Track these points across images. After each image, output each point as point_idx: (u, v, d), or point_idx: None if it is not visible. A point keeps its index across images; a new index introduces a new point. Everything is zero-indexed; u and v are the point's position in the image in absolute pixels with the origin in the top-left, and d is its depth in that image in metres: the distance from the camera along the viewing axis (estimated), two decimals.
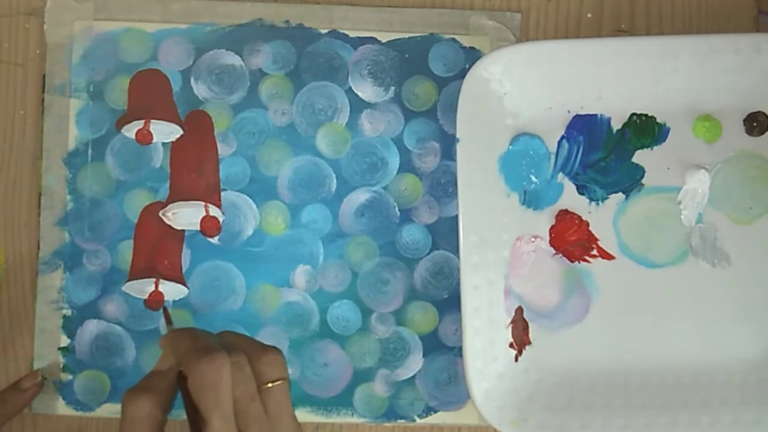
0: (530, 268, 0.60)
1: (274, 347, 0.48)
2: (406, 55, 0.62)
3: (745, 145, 0.60)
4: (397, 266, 0.61)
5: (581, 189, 0.60)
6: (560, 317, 0.60)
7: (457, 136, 0.58)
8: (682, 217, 0.60)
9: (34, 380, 0.60)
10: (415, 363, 0.61)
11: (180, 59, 0.61)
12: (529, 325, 0.60)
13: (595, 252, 0.60)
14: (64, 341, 0.61)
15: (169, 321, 0.52)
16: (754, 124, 0.59)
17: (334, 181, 0.61)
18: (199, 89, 0.61)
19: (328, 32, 0.62)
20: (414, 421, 0.61)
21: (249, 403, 0.46)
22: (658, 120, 0.60)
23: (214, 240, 0.61)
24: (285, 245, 0.61)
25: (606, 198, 0.60)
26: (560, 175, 0.60)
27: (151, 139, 0.61)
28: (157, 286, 0.61)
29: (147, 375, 0.48)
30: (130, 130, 0.61)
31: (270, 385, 0.47)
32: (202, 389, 0.45)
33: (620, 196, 0.60)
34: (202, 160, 0.61)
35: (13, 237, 0.61)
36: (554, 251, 0.60)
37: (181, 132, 0.61)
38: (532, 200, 0.60)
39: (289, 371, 0.61)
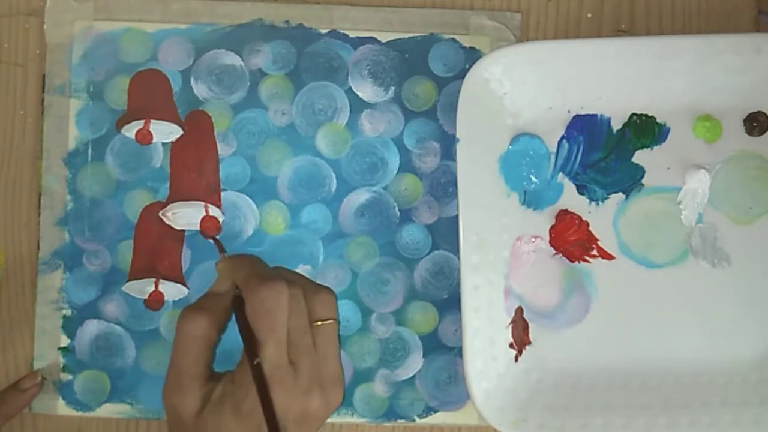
0: (530, 268, 0.60)
1: (327, 287, 0.49)
2: (406, 55, 0.62)
3: (745, 145, 0.60)
4: (397, 266, 0.61)
5: (581, 189, 0.60)
6: (560, 317, 0.60)
7: (457, 136, 0.58)
8: (682, 217, 0.60)
9: (34, 380, 0.60)
10: (415, 363, 0.61)
11: (180, 59, 0.61)
12: (529, 325, 0.60)
13: (595, 252, 0.60)
14: (64, 341, 0.61)
15: (221, 249, 0.51)
16: (754, 124, 0.59)
17: (334, 181, 0.61)
18: (199, 89, 0.61)
19: (328, 32, 0.62)
20: (414, 421, 0.61)
21: (301, 336, 0.46)
22: (658, 120, 0.60)
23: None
24: (285, 245, 0.61)
25: (606, 198, 0.60)
26: (560, 175, 0.60)
27: (151, 139, 0.61)
28: (157, 286, 0.61)
29: (203, 295, 0.48)
30: (130, 130, 0.61)
31: (320, 323, 0.47)
32: (260, 314, 0.46)
33: (620, 196, 0.60)
34: (202, 160, 0.61)
35: (13, 237, 0.61)
36: (554, 251, 0.60)
37: (181, 132, 0.61)
38: (532, 200, 0.60)
39: None
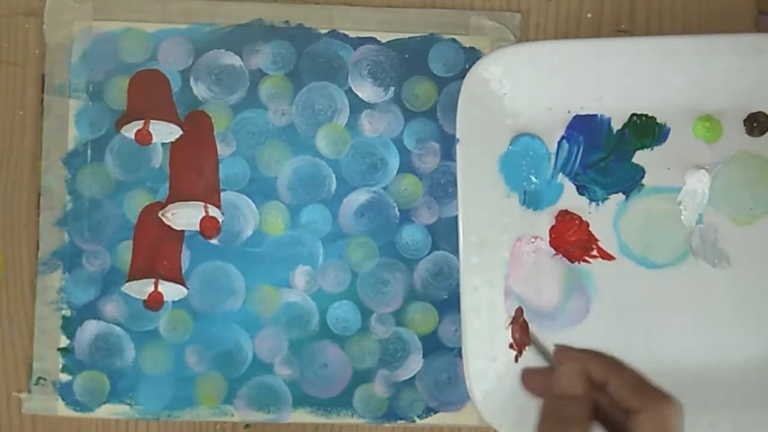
0: (530, 268, 0.60)
1: (669, 395, 0.41)
2: (406, 56, 0.62)
3: (746, 145, 0.60)
4: (396, 267, 0.61)
5: (581, 189, 0.60)
6: (560, 318, 0.60)
7: (457, 136, 0.58)
8: (682, 217, 0.60)
9: None
10: (414, 363, 0.61)
11: (179, 59, 0.61)
12: (529, 325, 0.60)
13: (595, 252, 0.60)
14: (64, 342, 0.60)
15: (545, 354, 0.46)
16: (755, 124, 0.59)
17: (334, 181, 0.61)
18: (199, 89, 0.61)
19: (328, 32, 0.62)
20: (414, 421, 0.61)
21: None
22: (658, 120, 0.60)
23: (214, 240, 0.61)
24: (285, 246, 0.61)
25: (606, 198, 0.60)
26: (560, 175, 0.60)
27: (151, 139, 0.61)
28: (156, 287, 0.61)
29: (560, 399, 0.42)
30: (130, 131, 0.61)
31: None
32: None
33: (620, 196, 0.60)
34: (202, 161, 0.61)
35: (13, 237, 0.61)
36: (554, 252, 0.60)
37: (181, 132, 0.61)
38: (532, 200, 0.60)
39: (288, 372, 0.61)
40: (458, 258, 0.58)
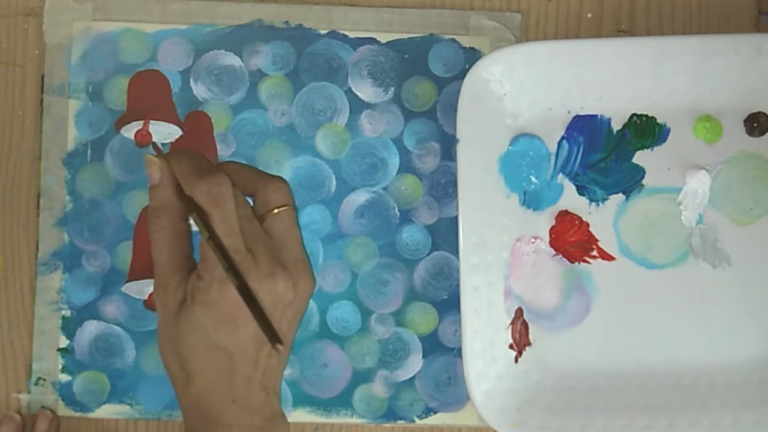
0: (530, 269, 0.60)
1: (278, 176, 0.50)
2: (406, 56, 0.62)
3: (746, 145, 0.60)
4: (396, 267, 0.61)
5: (581, 190, 0.60)
6: (560, 318, 0.60)
7: (457, 136, 0.58)
8: (682, 217, 0.60)
9: (47, 420, 0.59)
10: (414, 364, 0.61)
11: (179, 60, 0.61)
12: (529, 326, 0.60)
13: (595, 253, 0.60)
14: (64, 342, 0.60)
15: (159, 151, 0.51)
16: (755, 124, 0.59)
17: (334, 181, 0.61)
18: (199, 90, 0.61)
19: (328, 33, 0.62)
20: (413, 422, 0.61)
21: (248, 223, 0.47)
22: (658, 120, 0.60)
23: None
24: None
25: (606, 199, 0.60)
26: (560, 175, 0.60)
27: (151, 139, 0.61)
28: None
29: (150, 190, 0.49)
30: (130, 131, 0.61)
31: (276, 211, 0.48)
32: (206, 205, 0.46)
33: (620, 196, 0.60)
34: None
35: (12, 238, 0.61)
36: (554, 252, 0.60)
37: (181, 133, 0.61)
38: (532, 201, 0.60)
39: (289, 372, 0.61)
40: (458, 258, 0.58)
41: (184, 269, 0.48)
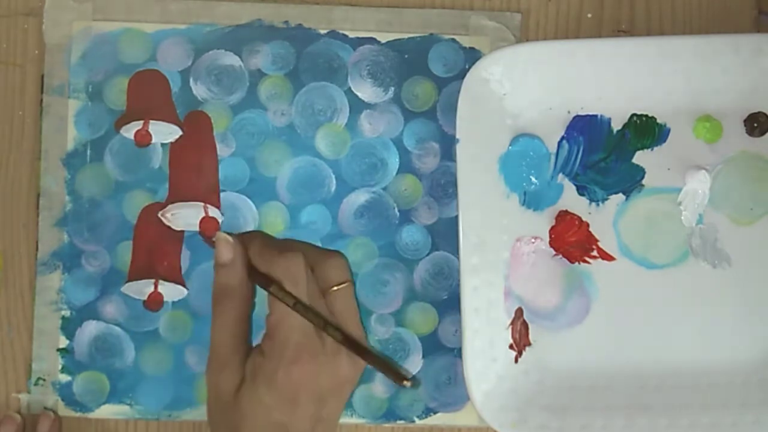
0: (530, 269, 0.60)
1: (337, 251, 0.51)
2: (406, 56, 0.62)
3: (746, 145, 0.60)
4: (396, 267, 0.61)
5: (581, 190, 0.60)
6: (560, 318, 0.60)
7: (457, 136, 0.58)
8: (682, 218, 0.60)
9: (49, 421, 0.59)
10: (414, 364, 0.61)
11: (179, 60, 0.61)
12: (529, 326, 0.60)
13: (595, 253, 0.60)
14: (63, 342, 0.60)
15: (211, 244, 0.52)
16: (755, 124, 0.59)
17: (334, 181, 0.61)
18: (198, 90, 0.61)
19: (328, 33, 0.62)
20: (413, 422, 0.61)
21: (317, 302, 0.48)
22: (658, 120, 0.60)
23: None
24: None
25: (606, 199, 0.60)
26: (560, 175, 0.60)
27: (150, 139, 0.61)
28: (156, 287, 0.61)
29: (218, 269, 0.50)
30: (129, 131, 0.61)
31: (335, 288, 0.49)
32: (282, 282, 0.47)
33: (620, 196, 0.60)
34: (201, 161, 0.61)
35: (12, 238, 0.61)
36: (554, 252, 0.60)
37: (180, 133, 0.61)
38: (532, 201, 0.60)
39: None
40: (458, 258, 0.58)
41: (243, 350, 0.49)
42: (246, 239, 0.51)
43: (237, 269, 0.50)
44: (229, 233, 0.51)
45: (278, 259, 0.48)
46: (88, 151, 0.61)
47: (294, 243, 0.52)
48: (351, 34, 0.62)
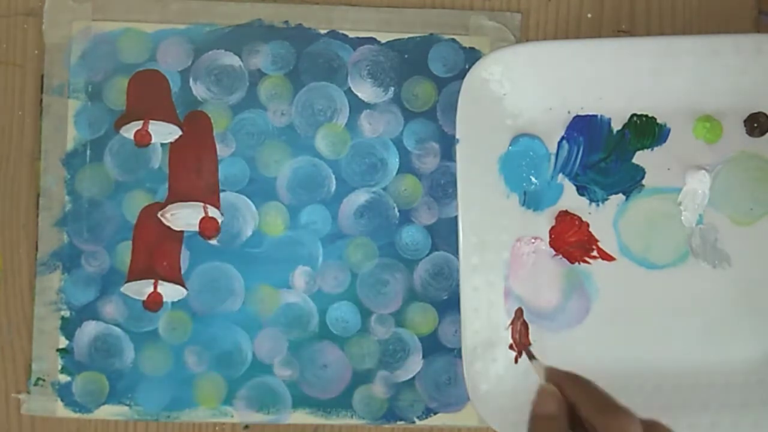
0: (530, 269, 0.60)
1: (626, 412, 0.44)
2: (406, 56, 0.62)
3: (746, 145, 0.59)
4: (396, 267, 0.61)
5: (581, 190, 0.60)
6: (560, 318, 0.60)
7: (457, 136, 0.58)
8: (682, 218, 0.60)
9: None
10: (414, 364, 0.61)
11: (179, 60, 0.61)
12: (529, 326, 0.59)
13: (595, 253, 0.60)
14: (63, 342, 0.60)
15: (531, 357, 0.49)
16: (755, 124, 0.59)
17: (334, 181, 0.61)
18: (198, 90, 0.61)
19: (328, 33, 0.62)
20: (413, 422, 0.61)
21: None
22: (658, 121, 0.60)
23: (213, 241, 0.61)
24: (284, 246, 0.61)
25: (606, 199, 0.60)
26: (560, 176, 0.60)
27: (150, 139, 0.61)
28: (155, 288, 0.61)
29: (537, 419, 0.44)
30: (129, 131, 0.61)
31: None
32: None
33: (620, 197, 0.60)
34: (201, 161, 0.61)
35: (11, 238, 0.61)
36: (554, 252, 0.60)
37: (180, 133, 0.61)
38: (532, 201, 0.60)
39: (288, 373, 0.60)
40: (458, 259, 0.58)
41: None
42: (583, 389, 0.45)
43: (561, 426, 0.43)
44: (553, 382, 0.45)
45: (615, 420, 0.43)
46: (88, 151, 0.61)
47: (580, 382, 0.45)
48: (351, 34, 0.62)
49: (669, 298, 0.59)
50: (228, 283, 0.61)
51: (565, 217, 0.60)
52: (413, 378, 0.61)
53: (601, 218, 0.60)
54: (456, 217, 0.58)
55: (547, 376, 0.46)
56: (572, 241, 0.60)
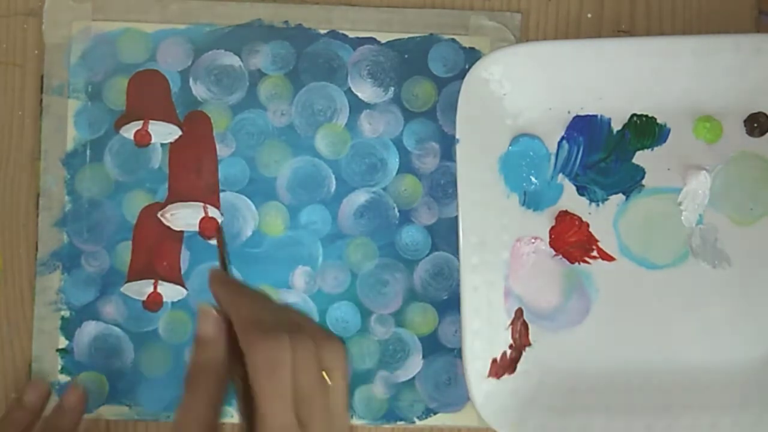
0: (530, 269, 0.60)
1: (336, 337, 0.44)
2: (406, 56, 0.62)
3: (746, 145, 0.59)
4: (396, 267, 0.61)
5: (581, 190, 0.60)
6: (560, 319, 0.60)
7: (457, 136, 0.58)
8: (682, 218, 0.60)
9: (77, 394, 0.59)
10: (414, 364, 0.61)
11: (179, 60, 0.61)
12: (529, 326, 0.59)
13: (595, 253, 0.60)
14: (63, 343, 0.60)
15: (223, 260, 0.47)
16: (755, 124, 0.59)
17: (334, 182, 0.61)
18: (198, 90, 0.61)
19: (328, 33, 0.61)
20: (413, 422, 0.61)
21: (314, 393, 0.42)
22: (658, 121, 0.60)
23: (213, 241, 0.61)
24: (284, 246, 0.61)
25: (606, 199, 0.60)
26: (560, 176, 0.60)
27: (150, 139, 0.61)
28: (155, 288, 0.61)
29: (198, 344, 0.43)
30: (129, 131, 0.61)
31: (327, 377, 0.43)
32: (261, 373, 0.41)
33: (620, 197, 0.60)
34: (201, 161, 0.61)
35: (11, 238, 0.61)
36: (554, 252, 0.60)
37: (180, 133, 0.61)
38: (532, 201, 0.60)
39: None
40: (458, 259, 0.58)
41: None
42: (234, 307, 0.44)
43: (217, 349, 0.43)
44: (215, 306, 0.44)
45: (260, 342, 0.41)
46: (88, 151, 0.61)
47: (292, 315, 0.45)
48: (351, 34, 0.61)
49: (669, 298, 0.59)
50: None
51: (565, 217, 0.60)
52: (413, 378, 0.61)
53: (601, 218, 0.60)
54: (456, 217, 0.58)
55: (211, 279, 0.45)
56: (572, 241, 0.60)
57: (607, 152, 0.60)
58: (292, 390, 0.41)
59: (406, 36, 0.62)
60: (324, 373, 0.42)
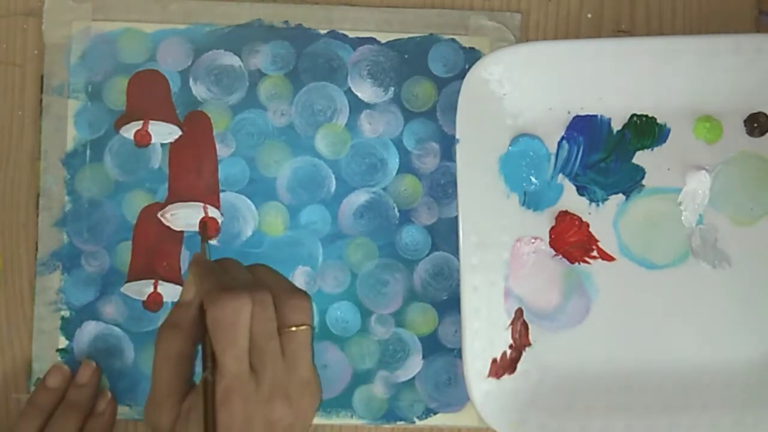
0: (530, 269, 0.60)
1: (302, 291, 0.47)
2: (406, 56, 0.62)
3: (746, 145, 0.59)
4: (396, 267, 0.61)
5: (581, 190, 0.60)
6: (560, 319, 0.60)
7: (457, 136, 0.58)
8: (682, 218, 0.60)
9: (105, 399, 0.59)
10: (414, 364, 0.61)
11: (179, 60, 0.61)
12: (529, 326, 0.59)
13: (595, 253, 0.60)
14: (63, 343, 0.60)
15: (204, 238, 0.50)
16: (755, 124, 0.59)
17: (334, 182, 0.61)
18: (198, 90, 0.61)
19: (328, 33, 0.61)
20: (413, 422, 0.61)
21: (266, 342, 0.45)
22: (658, 121, 0.60)
23: (213, 241, 0.61)
24: (284, 246, 0.61)
25: (606, 199, 0.60)
26: (560, 176, 0.60)
27: (150, 139, 0.61)
28: (155, 288, 0.61)
29: (174, 306, 0.47)
30: (129, 131, 0.61)
31: (293, 329, 0.46)
32: (219, 326, 0.44)
33: (620, 197, 0.60)
34: (201, 161, 0.61)
35: (11, 238, 0.61)
36: (554, 252, 0.60)
37: (180, 133, 0.61)
38: (532, 201, 0.60)
39: None
40: (458, 259, 0.58)
41: (181, 391, 0.46)
42: (204, 270, 0.47)
43: (190, 310, 0.47)
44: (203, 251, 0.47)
45: (220, 298, 0.44)
46: (88, 151, 0.61)
47: (261, 271, 0.48)
48: (351, 34, 0.61)
49: (669, 298, 0.59)
50: None
51: (565, 217, 0.60)
52: (413, 378, 0.61)
53: (601, 218, 0.60)
54: (456, 217, 0.58)
55: (190, 263, 0.48)
56: (572, 241, 0.60)
57: (607, 152, 0.60)
58: (247, 340, 0.44)
59: (406, 36, 0.62)
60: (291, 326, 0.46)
